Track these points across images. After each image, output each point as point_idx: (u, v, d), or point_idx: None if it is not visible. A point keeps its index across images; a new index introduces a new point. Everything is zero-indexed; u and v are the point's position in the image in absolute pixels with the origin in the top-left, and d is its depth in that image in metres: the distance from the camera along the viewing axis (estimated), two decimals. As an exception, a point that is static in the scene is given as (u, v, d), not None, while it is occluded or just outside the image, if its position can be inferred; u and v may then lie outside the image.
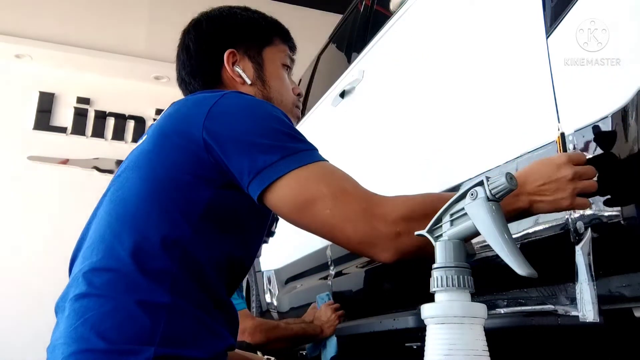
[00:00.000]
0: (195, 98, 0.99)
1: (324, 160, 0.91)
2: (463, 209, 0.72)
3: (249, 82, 1.11)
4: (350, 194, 0.86)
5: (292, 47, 1.20)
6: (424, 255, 0.77)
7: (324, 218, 0.86)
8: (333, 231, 0.86)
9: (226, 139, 0.89)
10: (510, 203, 0.82)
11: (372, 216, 0.84)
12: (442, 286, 0.69)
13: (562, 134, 0.94)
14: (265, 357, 1.57)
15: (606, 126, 0.86)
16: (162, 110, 5.05)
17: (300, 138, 0.92)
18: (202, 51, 1.14)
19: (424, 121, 1.46)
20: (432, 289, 0.70)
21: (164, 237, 0.86)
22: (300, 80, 2.96)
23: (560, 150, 0.94)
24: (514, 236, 0.83)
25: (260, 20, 1.17)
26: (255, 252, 1.08)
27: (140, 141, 1.01)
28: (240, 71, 1.11)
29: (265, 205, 0.89)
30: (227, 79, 1.12)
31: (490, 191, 0.71)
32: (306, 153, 0.89)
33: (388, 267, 1.13)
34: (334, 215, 0.85)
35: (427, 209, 0.81)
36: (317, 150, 0.92)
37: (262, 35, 1.15)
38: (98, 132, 5.16)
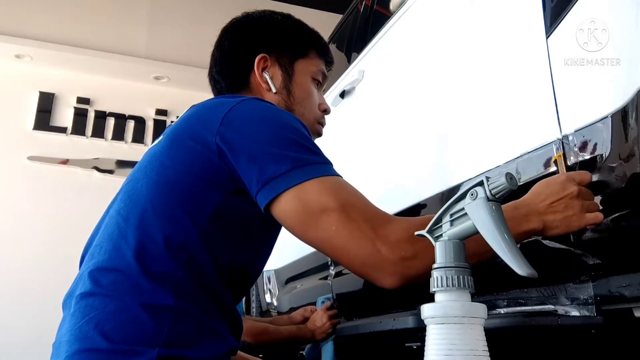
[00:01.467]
0: (213, 102, 0.98)
1: (336, 174, 0.88)
2: (463, 209, 0.72)
3: (274, 90, 1.10)
4: (357, 213, 0.83)
5: (328, 62, 1.18)
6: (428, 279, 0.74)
7: (329, 235, 0.83)
8: (336, 250, 0.84)
9: (238, 146, 0.87)
10: (521, 225, 0.81)
11: (376, 237, 0.81)
12: (442, 286, 0.69)
13: (563, 154, 0.93)
14: None
15: (606, 126, 0.86)
16: (162, 110, 5.02)
17: (314, 149, 0.90)
18: (234, 51, 1.12)
19: (424, 121, 1.46)
20: (432, 289, 0.70)
21: (170, 240, 0.86)
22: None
23: (561, 171, 0.93)
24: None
25: (299, 30, 1.16)
26: (263, 261, 1.06)
27: (156, 142, 1.01)
28: (268, 78, 1.10)
29: (272, 217, 0.88)
30: (254, 84, 1.11)
31: (490, 191, 0.71)
32: (318, 166, 0.87)
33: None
34: (339, 234, 0.82)
35: None
36: (330, 164, 0.90)
37: (298, 46, 1.14)
38: (98, 132, 5.16)
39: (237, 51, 1.12)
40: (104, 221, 0.96)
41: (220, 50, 1.14)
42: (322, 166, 0.87)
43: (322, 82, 1.18)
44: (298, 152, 0.87)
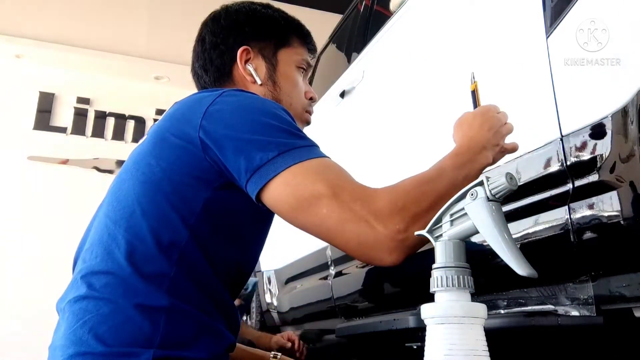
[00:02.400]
0: (194, 97, 0.97)
1: (323, 156, 0.87)
2: (463, 209, 0.72)
3: (259, 81, 1.08)
4: (347, 193, 0.82)
5: (312, 50, 1.17)
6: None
7: (321, 219, 0.82)
8: (331, 233, 0.83)
9: (222, 138, 0.87)
10: (480, 160, 0.88)
11: (369, 215, 0.80)
12: (442, 286, 0.69)
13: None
14: (272, 353, 1.58)
15: (606, 126, 0.86)
16: (162, 110, 5.00)
17: (299, 134, 0.89)
18: (216, 45, 1.10)
19: (424, 121, 1.46)
20: (432, 289, 0.70)
21: (160, 239, 0.85)
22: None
23: (478, 100, 1.00)
24: (514, 236, 0.83)
25: (279, 19, 1.14)
26: (256, 255, 1.06)
27: (141, 142, 1.00)
28: (252, 70, 1.08)
29: (264, 205, 0.87)
30: (238, 77, 1.09)
31: (490, 191, 0.71)
32: (304, 149, 0.86)
33: (388, 267, 1.13)
34: (331, 216, 0.81)
35: (418, 196, 0.81)
36: (316, 146, 0.89)
37: (280, 35, 1.12)
38: (98, 132, 5.17)
39: (219, 45, 1.10)
40: (94, 224, 0.96)
41: (201, 44, 1.12)
42: (307, 149, 0.86)
43: (307, 70, 1.16)
44: (282, 138, 0.86)
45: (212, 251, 0.90)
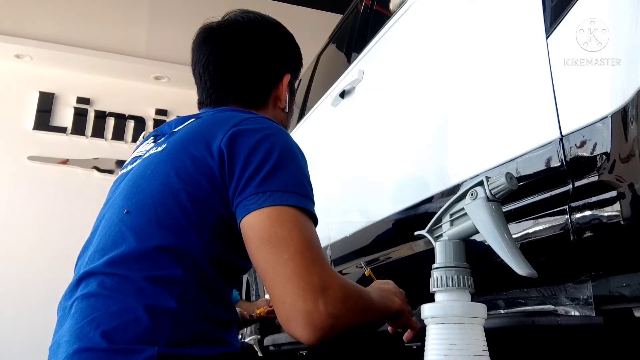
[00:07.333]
0: (224, 115, 0.99)
1: (315, 216, 0.90)
2: (463, 209, 0.72)
3: (287, 109, 1.14)
4: (315, 255, 0.83)
5: None
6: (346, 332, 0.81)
7: (277, 261, 0.82)
8: (276, 278, 0.82)
9: (239, 157, 0.89)
10: (393, 302, 0.97)
11: (319, 285, 0.80)
12: (442, 286, 0.69)
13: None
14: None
15: (606, 126, 0.86)
16: (162, 110, 4.99)
17: (307, 186, 0.92)
18: (270, 60, 1.13)
19: (424, 121, 1.46)
20: (432, 289, 0.70)
21: (174, 249, 0.87)
22: (300, 80, 2.96)
23: (374, 278, 1.21)
24: (514, 236, 0.83)
25: (299, 52, 1.21)
26: None
27: (160, 148, 0.99)
28: (288, 96, 1.14)
29: (238, 224, 0.88)
30: (273, 100, 1.13)
31: (490, 191, 0.71)
32: (304, 199, 0.88)
33: (387, 266, 1.13)
34: (287, 264, 0.81)
35: (361, 302, 0.85)
36: (314, 204, 0.92)
37: (299, 68, 1.20)
38: (98, 132, 5.17)
39: (273, 61, 1.13)
40: (102, 226, 0.96)
41: (255, 44, 1.11)
42: (307, 200, 0.89)
43: None
44: (292, 180, 0.89)
45: (222, 259, 0.92)
